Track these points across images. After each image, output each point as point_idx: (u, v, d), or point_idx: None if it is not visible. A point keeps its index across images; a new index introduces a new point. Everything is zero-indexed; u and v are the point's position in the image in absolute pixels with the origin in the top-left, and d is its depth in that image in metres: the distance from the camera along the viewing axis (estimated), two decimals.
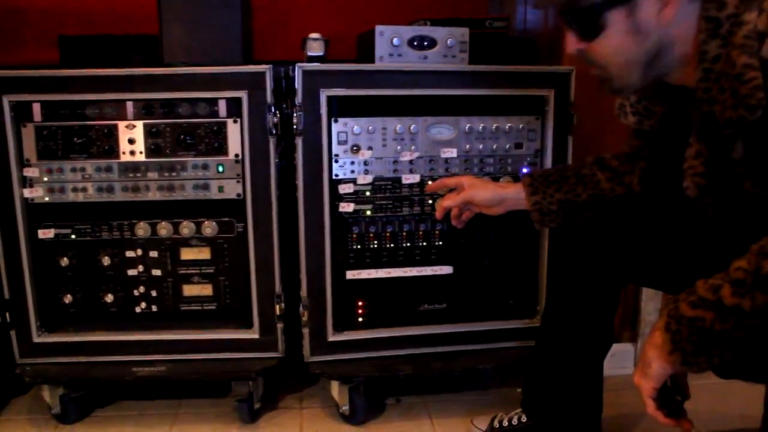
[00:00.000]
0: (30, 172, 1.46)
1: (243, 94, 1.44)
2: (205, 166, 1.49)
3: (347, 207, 1.52)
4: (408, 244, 1.57)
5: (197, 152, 1.48)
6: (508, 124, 1.55)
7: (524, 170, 1.57)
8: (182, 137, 1.47)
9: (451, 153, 1.53)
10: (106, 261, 1.52)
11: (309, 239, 1.49)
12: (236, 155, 1.48)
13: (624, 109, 1.18)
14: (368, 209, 1.54)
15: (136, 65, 1.44)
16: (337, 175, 1.51)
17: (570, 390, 1.27)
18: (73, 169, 1.47)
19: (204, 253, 1.54)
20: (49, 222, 1.50)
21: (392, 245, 1.57)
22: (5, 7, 1.88)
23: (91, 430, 1.54)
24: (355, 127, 1.49)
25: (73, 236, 1.51)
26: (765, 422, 1.04)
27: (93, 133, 1.46)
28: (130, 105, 1.45)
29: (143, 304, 1.55)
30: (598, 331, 1.25)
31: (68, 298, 1.53)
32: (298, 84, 1.43)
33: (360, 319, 1.59)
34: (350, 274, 1.55)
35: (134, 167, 1.48)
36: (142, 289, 1.54)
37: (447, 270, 1.59)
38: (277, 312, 1.53)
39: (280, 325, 1.54)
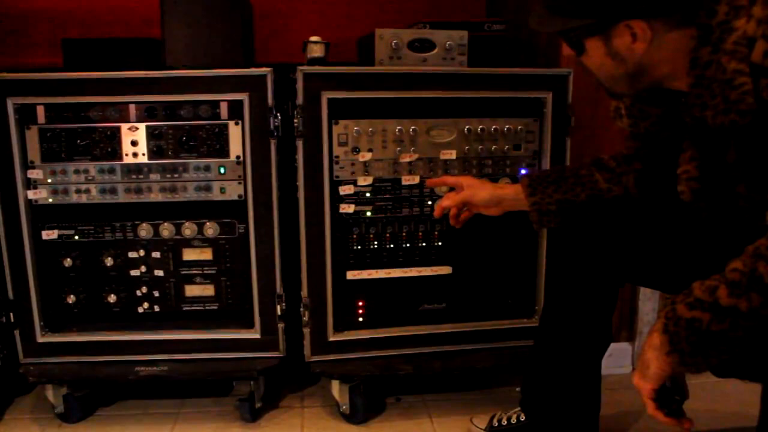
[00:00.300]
0: (34, 174, 1.47)
1: (244, 97, 1.45)
2: (206, 168, 1.50)
3: (348, 208, 1.53)
4: (408, 245, 1.59)
5: (199, 154, 1.50)
6: (507, 126, 1.56)
7: (523, 171, 1.58)
8: (184, 139, 1.49)
9: (451, 155, 1.55)
10: (109, 262, 1.53)
11: (310, 240, 1.51)
12: (238, 157, 1.50)
13: (619, 112, 1.19)
14: (368, 210, 1.55)
15: (139, 68, 1.45)
16: (337, 177, 1.52)
17: (568, 389, 1.28)
18: (77, 171, 1.49)
19: (206, 254, 1.56)
20: (53, 223, 1.51)
21: (392, 246, 1.58)
22: (10, 11, 1.90)
23: (94, 429, 1.55)
24: (356, 129, 1.50)
25: (77, 237, 1.52)
26: (762, 420, 1.04)
27: (96, 136, 1.47)
28: (132, 107, 1.47)
29: (146, 305, 1.57)
30: (596, 331, 1.26)
31: (71, 299, 1.55)
32: (299, 86, 1.44)
33: (360, 319, 1.60)
34: (351, 275, 1.57)
35: (137, 169, 1.49)
36: (144, 289, 1.56)
37: (446, 270, 1.61)
38: (278, 312, 1.54)
39: (281, 325, 1.55)
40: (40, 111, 1.45)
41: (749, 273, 0.83)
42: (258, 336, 1.56)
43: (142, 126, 1.48)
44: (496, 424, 1.41)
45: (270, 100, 1.45)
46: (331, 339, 1.57)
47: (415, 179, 1.55)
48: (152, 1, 1.57)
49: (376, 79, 1.49)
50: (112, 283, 1.55)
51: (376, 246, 1.57)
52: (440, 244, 1.60)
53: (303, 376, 1.70)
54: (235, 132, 1.49)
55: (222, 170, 1.50)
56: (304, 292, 1.54)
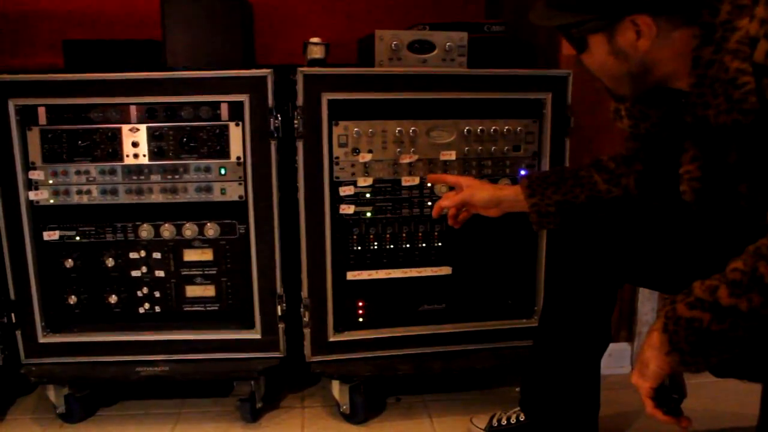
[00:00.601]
0: (35, 175, 1.48)
1: (245, 98, 1.45)
2: (207, 169, 1.51)
3: (348, 209, 1.54)
4: (408, 245, 1.59)
5: (200, 155, 1.50)
6: (506, 127, 1.56)
7: (522, 172, 1.58)
8: (185, 140, 1.49)
9: (450, 155, 1.55)
10: (110, 262, 1.54)
11: (310, 240, 1.51)
12: (238, 158, 1.50)
13: (619, 113, 1.19)
14: (368, 211, 1.56)
15: (140, 69, 1.46)
16: (337, 178, 1.52)
17: (567, 389, 1.28)
18: (78, 172, 1.49)
19: (206, 255, 1.56)
20: (54, 224, 1.51)
21: (392, 246, 1.58)
22: (11, 12, 1.90)
23: (95, 430, 1.56)
24: (356, 130, 1.50)
25: (78, 238, 1.53)
26: (762, 420, 1.05)
27: (97, 137, 1.48)
28: (133, 109, 1.47)
29: (147, 305, 1.57)
30: (595, 331, 1.26)
31: (73, 299, 1.55)
32: (299, 88, 1.45)
33: (360, 320, 1.60)
34: (351, 275, 1.57)
35: (138, 170, 1.50)
36: (145, 290, 1.56)
37: (446, 271, 1.61)
38: (279, 312, 1.55)
39: (281, 326, 1.56)
40: (41, 112, 1.45)
41: (750, 273, 0.83)
42: (258, 336, 1.56)
43: (142, 127, 1.48)
44: (496, 424, 1.41)
45: (270, 102, 1.46)
46: (332, 339, 1.57)
47: (415, 180, 1.55)
48: (153, 2, 1.57)
49: (376, 81, 1.49)
50: (113, 284, 1.56)
51: (376, 246, 1.58)
52: (440, 244, 1.60)
53: (303, 376, 1.70)
54: (235, 133, 1.49)
55: (222, 171, 1.51)
56: (305, 293, 1.54)
